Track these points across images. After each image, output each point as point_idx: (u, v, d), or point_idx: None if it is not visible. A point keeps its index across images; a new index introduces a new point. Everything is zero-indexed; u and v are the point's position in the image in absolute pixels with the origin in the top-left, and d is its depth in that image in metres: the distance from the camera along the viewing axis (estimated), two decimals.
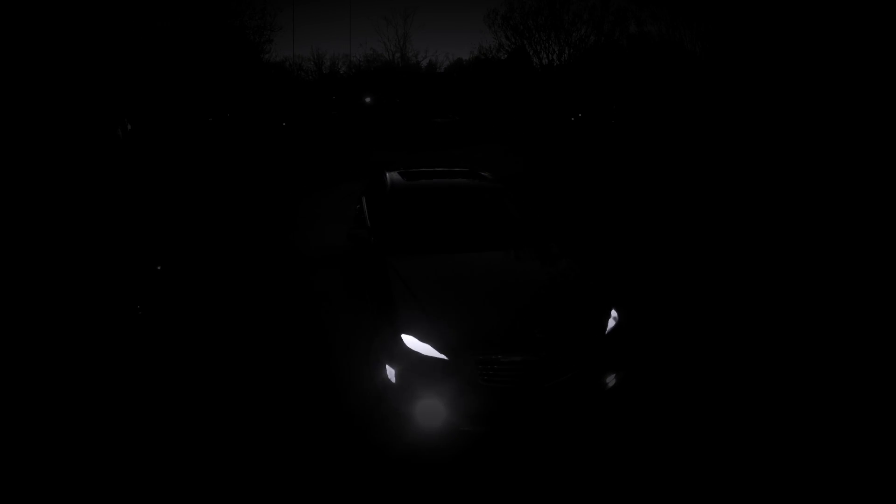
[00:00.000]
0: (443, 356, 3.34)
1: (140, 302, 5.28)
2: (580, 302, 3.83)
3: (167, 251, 7.09)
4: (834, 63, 13.50)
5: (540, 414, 3.37)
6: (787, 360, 4.53)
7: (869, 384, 4.14)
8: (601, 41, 33.54)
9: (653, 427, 3.64)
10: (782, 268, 6.83)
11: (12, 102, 9.61)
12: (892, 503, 3.06)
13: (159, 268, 6.22)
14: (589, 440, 3.51)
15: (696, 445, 3.46)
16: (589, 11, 33.86)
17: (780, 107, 15.27)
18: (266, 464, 3.24)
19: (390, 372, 3.48)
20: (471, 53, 65.45)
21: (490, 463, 3.31)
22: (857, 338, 4.87)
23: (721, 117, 18.00)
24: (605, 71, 30.66)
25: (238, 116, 23.73)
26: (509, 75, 35.96)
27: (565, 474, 3.23)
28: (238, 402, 3.87)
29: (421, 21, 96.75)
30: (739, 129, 16.58)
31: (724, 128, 17.44)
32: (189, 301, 5.65)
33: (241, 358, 4.51)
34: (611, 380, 3.57)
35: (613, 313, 3.80)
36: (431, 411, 3.30)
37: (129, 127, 13.61)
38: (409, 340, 3.42)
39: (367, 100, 39.09)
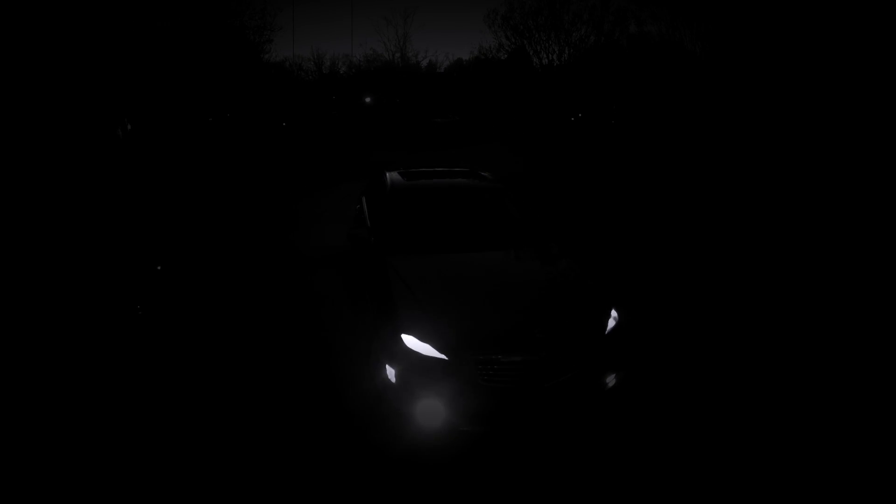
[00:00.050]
0: (443, 356, 3.34)
1: (140, 302, 5.28)
2: (580, 302, 3.83)
3: (167, 251, 7.09)
4: (834, 63, 13.50)
5: (540, 414, 3.37)
6: (787, 359, 4.53)
7: (869, 384, 4.14)
8: (601, 41, 33.57)
9: (653, 427, 3.64)
10: (782, 267, 6.83)
11: (13, 102, 9.60)
12: (892, 503, 3.06)
13: (159, 268, 6.22)
14: (589, 440, 3.51)
15: (696, 445, 3.46)
16: (589, 11, 33.92)
17: (780, 106, 15.27)
18: (266, 464, 3.24)
19: (390, 372, 3.48)
20: (471, 53, 65.55)
21: (490, 463, 3.30)
22: (858, 338, 4.86)
23: (721, 117, 18.00)
24: (605, 71, 30.68)
25: (238, 116, 23.74)
26: (509, 75, 35.98)
27: (565, 474, 3.23)
28: (238, 402, 3.87)
29: (421, 21, 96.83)
30: (739, 128, 16.58)
31: (723, 127, 17.45)
32: (189, 301, 5.65)
33: (241, 358, 4.50)
34: (611, 380, 3.57)
35: (613, 313, 3.80)
36: (431, 411, 3.30)
37: (129, 127, 13.61)
38: (409, 340, 3.42)
39: (367, 100, 39.10)
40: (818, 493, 3.10)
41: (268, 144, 22.37)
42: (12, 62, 9.78)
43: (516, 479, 3.18)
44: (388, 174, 5.69)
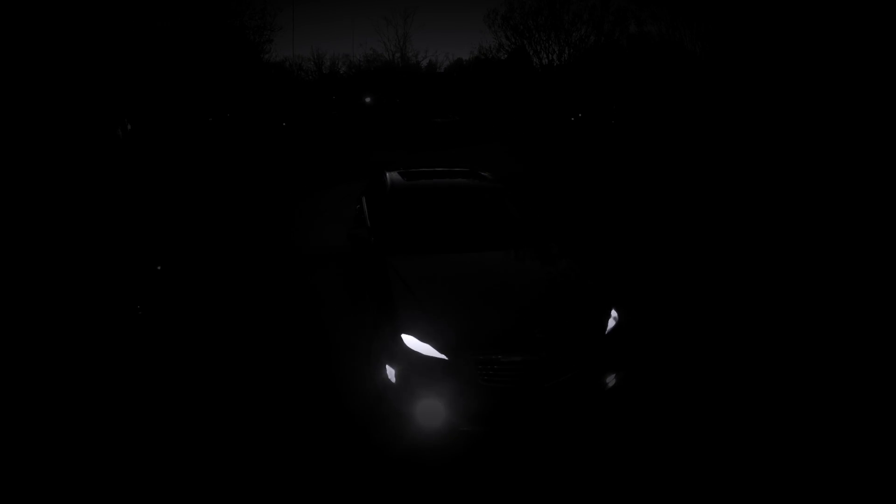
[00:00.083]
0: (443, 356, 3.34)
1: (140, 302, 5.28)
2: (580, 302, 3.83)
3: (167, 251, 7.09)
4: (833, 62, 13.51)
5: (540, 414, 3.37)
6: (787, 359, 4.53)
7: (869, 384, 4.14)
8: (601, 41, 33.57)
9: (653, 427, 3.64)
10: (782, 267, 6.83)
11: (13, 102, 9.60)
12: (892, 503, 3.06)
13: (159, 268, 6.22)
14: (589, 440, 3.51)
15: (696, 445, 3.46)
16: (589, 11, 33.91)
17: (780, 106, 15.27)
18: (266, 464, 3.24)
19: (390, 372, 3.48)
20: (471, 53, 65.55)
21: (490, 463, 3.30)
22: (858, 338, 4.86)
23: (721, 117, 18.00)
24: (605, 71, 30.67)
25: (238, 116, 23.73)
26: (509, 75, 35.98)
27: (565, 474, 3.23)
28: (238, 402, 3.87)
29: (421, 21, 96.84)
30: (739, 128, 16.58)
31: (723, 127, 17.45)
32: (189, 301, 5.65)
33: (241, 358, 4.51)
34: (611, 380, 3.57)
35: (613, 313, 3.80)
36: (431, 411, 3.30)
37: (129, 127, 13.60)
38: (409, 340, 3.42)
39: (367, 100, 39.10)
40: (818, 492, 3.10)
41: (268, 144, 22.38)
42: (13, 62, 9.78)
43: (516, 479, 3.18)
44: (388, 174, 5.69)
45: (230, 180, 13.82)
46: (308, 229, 8.97)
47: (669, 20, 23.15)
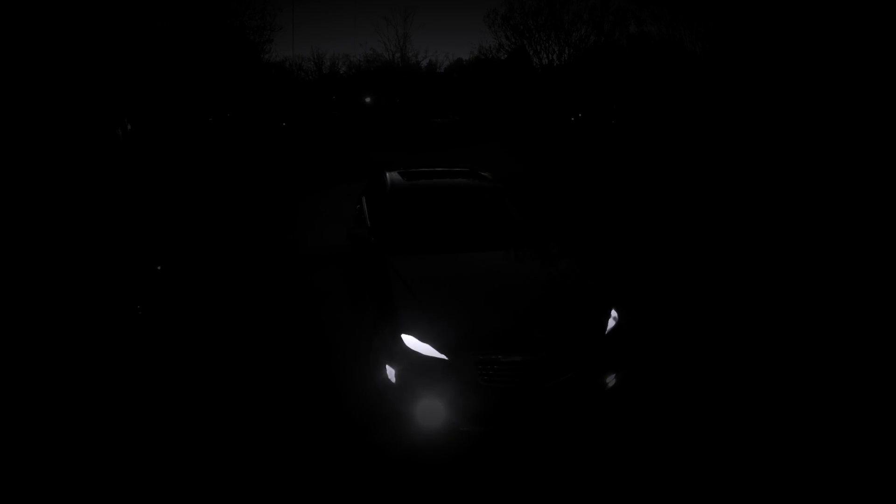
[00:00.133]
0: (443, 356, 3.34)
1: (140, 302, 5.28)
2: (580, 302, 3.83)
3: (167, 251, 7.09)
4: (833, 62, 13.51)
5: (540, 414, 3.37)
6: (787, 359, 4.53)
7: (869, 384, 4.14)
8: (601, 41, 33.54)
9: (653, 427, 3.64)
10: (782, 267, 6.83)
11: (13, 102, 9.60)
12: (892, 503, 3.06)
13: (159, 268, 6.22)
14: (589, 440, 3.51)
15: (696, 445, 3.46)
16: (589, 11, 33.87)
17: (780, 106, 15.27)
18: (266, 464, 3.24)
19: (390, 372, 3.48)
20: (471, 53, 65.52)
21: (490, 463, 3.31)
22: (858, 338, 4.86)
23: (721, 117, 18.00)
24: (605, 71, 30.66)
25: (238, 116, 23.73)
26: (509, 75, 35.96)
27: (565, 474, 3.23)
28: (238, 402, 3.87)
29: (421, 21, 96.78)
30: (739, 128, 16.58)
31: (723, 127, 17.45)
32: (189, 301, 5.65)
33: (241, 358, 4.51)
34: (611, 380, 3.57)
35: (613, 313, 3.80)
36: (431, 411, 3.30)
37: (129, 127, 13.61)
38: (409, 340, 3.42)
39: (367, 100, 39.11)
40: (818, 492, 3.10)
41: (268, 144, 22.39)
42: (13, 62, 9.78)
43: (516, 479, 3.18)
44: (388, 174, 5.69)
45: (230, 180, 13.82)
46: (308, 229, 8.97)
47: (669, 20, 23.14)
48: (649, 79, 25.24)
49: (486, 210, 5.12)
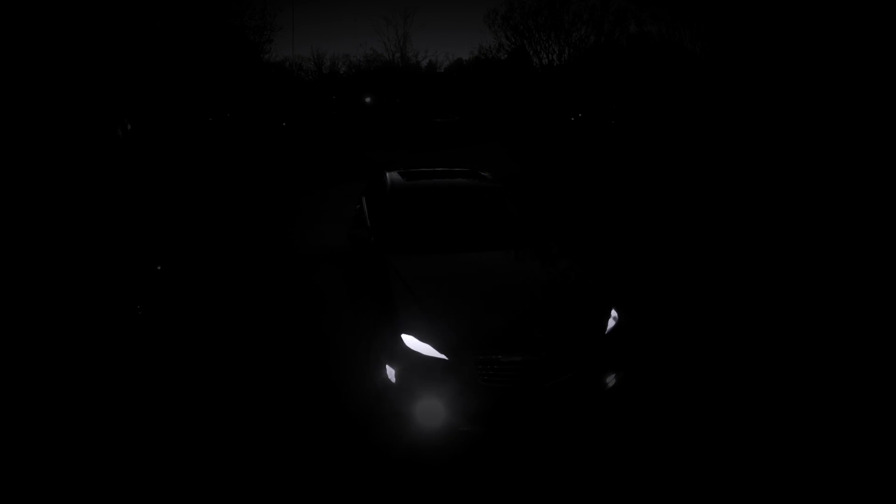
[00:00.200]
0: (443, 356, 3.34)
1: (140, 302, 5.28)
2: (580, 302, 3.83)
3: (167, 251, 7.09)
4: (833, 63, 13.51)
5: (540, 414, 3.37)
6: (787, 359, 4.53)
7: (869, 384, 4.14)
8: (601, 41, 33.52)
9: (653, 427, 3.64)
10: (782, 267, 6.83)
11: (13, 102, 9.61)
12: (892, 503, 3.06)
13: (159, 268, 6.22)
14: (589, 440, 3.51)
15: (696, 445, 3.46)
16: (589, 11, 33.84)
17: (780, 106, 15.27)
18: (266, 464, 3.24)
19: (390, 372, 3.48)
20: (471, 53, 65.53)
21: (490, 463, 3.31)
22: (858, 338, 4.86)
23: (721, 117, 18.00)
24: (605, 71, 30.65)
25: (238, 116, 23.73)
26: (509, 75, 35.95)
27: (565, 474, 3.23)
28: (238, 402, 3.87)
29: (421, 21, 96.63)
30: (739, 128, 16.58)
31: (723, 127, 17.45)
32: (189, 301, 5.65)
33: (241, 358, 4.51)
34: (611, 380, 3.57)
35: (613, 313, 3.80)
36: (431, 411, 3.30)
37: (129, 127, 13.61)
38: (409, 340, 3.42)
39: (367, 100, 39.11)
40: (818, 492, 3.10)
41: (268, 144, 22.39)
42: (13, 62, 9.78)
43: (516, 479, 3.18)
44: (388, 174, 5.69)
45: (230, 180, 13.82)
46: (308, 229, 8.97)
47: (669, 20, 23.13)
48: (649, 79, 25.24)
49: (486, 210, 5.12)
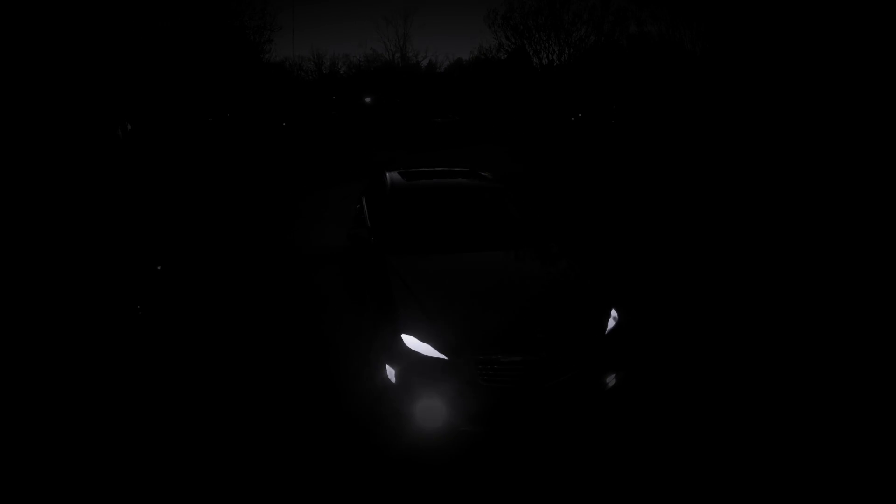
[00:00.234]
0: (443, 356, 3.34)
1: (140, 302, 5.28)
2: (580, 302, 3.83)
3: (167, 251, 7.09)
4: (833, 63, 13.51)
5: (540, 414, 3.37)
6: (787, 359, 4.52)
7: (869, 384, 4.14)
8: (601, 41, 33.55)
9: (653, 427, 3.64)
10: (782, 267, 6.83)
11: (13, 102, 9.61)
12: (892, 503, 3.06)
13: (159, 268, 6.22)
14: (589, 440, 3.51)
15: (696, 445, 3.46)
16: (589, 11, 33.89)
17: (780, 106, 15.27)
18: (266, 464, 3.24)
19: (390, 372, 3.48)
20: (471, 53, 65.47)
21: (490, 463, 3.30)
22: (857, 338, 4.86)
23: (721, 117, 18.00)
24: (605, 71, 30.66)
25: (238, 116, 23.73)
26: (509, 75, 35.98)
27: (565, 474, 3.23)
28: (238, 402, 3.87)
29: (421, 21, 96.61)
30: (739, 128, 16.58)
31: (723, 127, 17.45)
32: (189, 301, 5.65)
33: (241, 358, 4.51)
34: (611, 380, 3.57)
35: (613, 313, 3.80)
36: (431, 411, 3.30)
37: (129, 127, 13.61)
38: (409, 340, 3.42)
39: (367, 100, 39.13)
40: (818, 492, 3.10)
41: (268, 144, 22.40)
42: (13, 62, 9.78)
43: (516, 479, 3.18)
44: (388, 174, 5.69)
45: (230, 180, 13.82)
46: (308, 229, 8.97)
47: (669, 20, 23.14)
48: (649, 79, 25.24)
49: (486, 210, 5.12)
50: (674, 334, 5.02)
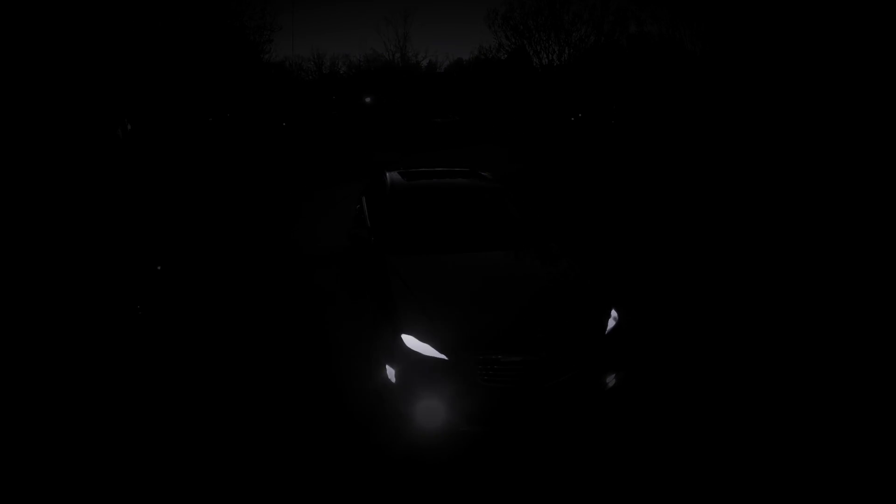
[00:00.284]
0: (443, 356, 3.34)
1: (140, 302, 5.28)
2: (580, 302, 3.83)
3: (167, 251, 7.09)
4: (833, 63, 13.51)
5: (540, 414, 3.37)
6: (787, 359, 4.53)
7: (869, 384, 4.14)
8: (601, 41, 33.53)
9: (652, 427, 3.64)
10: (782, 267, 6.83)
11: (13, 102, 9.61)
12: (892, 503, 3.06)
13: (159, 268, 6.22)
14: (589, 440, 3.51)
15: (696, 445, 3.46)
16: (589, 11, 33.87)
17: (779, 106, 15.27)
18: (267, 463, 3.24)
19: (390, 372, 3.48)
20: (471, 53, 65.58)
21: (490, 463, 3.31)
22: (857, 338, 4.86)
23: (720, 117, 18.00)
24: (605, 71, 30.66)
25: (238, 116, 23.72)
26: (509, 75, 35.97)
27: (565, 474, 3.23)
28: (238, 401, 3.87)
29: (421, 21, 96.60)
30: (739, 128, 16.58)
31: (723, 127, 17.45)
32: (189, 301, 5.65)
33: (241, 358, 4.51)
34: (611, 380, 3.57)
35: (613, 313, 3.80)
36: (431, 411, 3.30)
37: (129, 127, 13.61)
38: (409, 340, 3.42)
39: (367, 100, 39.12)
40: (818, 493, 3.10)
41: (268, 145, 22.39)
42: (13, 62, 9.78)
43: (516, 479, 3.18)
44: (388, 174, 5.69)
45: (230, 180, 13.82)
46: (308, 229, 8.97)
47: (669, 20, 23.13)
48: (649, 79, 25.24)
49: (486, 210, 5.12)
50: (673, 334, 5.02)
